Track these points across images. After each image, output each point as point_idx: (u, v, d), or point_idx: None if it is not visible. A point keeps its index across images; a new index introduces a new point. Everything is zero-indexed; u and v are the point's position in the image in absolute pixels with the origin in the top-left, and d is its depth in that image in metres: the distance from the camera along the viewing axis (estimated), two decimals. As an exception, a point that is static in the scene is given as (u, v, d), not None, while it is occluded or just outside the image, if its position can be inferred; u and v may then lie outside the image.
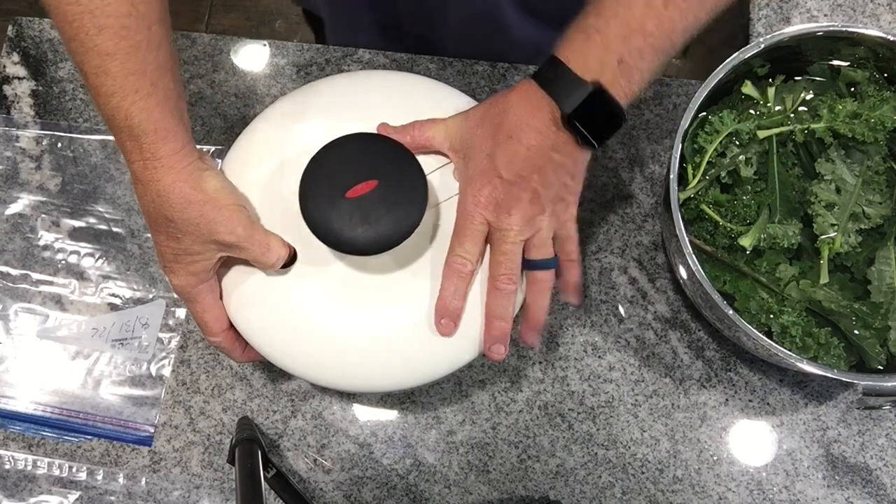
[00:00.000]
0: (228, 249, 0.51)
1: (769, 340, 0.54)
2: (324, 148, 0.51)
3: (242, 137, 0.59)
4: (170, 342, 0.68)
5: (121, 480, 0.65)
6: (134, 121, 0.47)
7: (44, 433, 0.66)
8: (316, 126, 0.57)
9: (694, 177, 0.60)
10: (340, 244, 0.50)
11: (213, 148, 0.72)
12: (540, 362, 0.67)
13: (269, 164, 0.57)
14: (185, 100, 0.51)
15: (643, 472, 0.64)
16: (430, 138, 0.54)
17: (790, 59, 0.62)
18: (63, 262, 0.70)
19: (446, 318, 0.52)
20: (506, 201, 0.50)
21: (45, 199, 0.72)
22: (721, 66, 0.58)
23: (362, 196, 0.50)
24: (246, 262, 0.54)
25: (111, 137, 0.73)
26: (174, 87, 0.49)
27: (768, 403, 0.66)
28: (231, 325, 0.55)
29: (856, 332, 0.58)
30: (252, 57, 0.75)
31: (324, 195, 0.50)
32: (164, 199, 0.48)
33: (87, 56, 0.46)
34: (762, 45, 0.58)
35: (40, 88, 0.75)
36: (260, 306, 0.54)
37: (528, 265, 0.53)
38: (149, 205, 0.49)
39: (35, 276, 0.70)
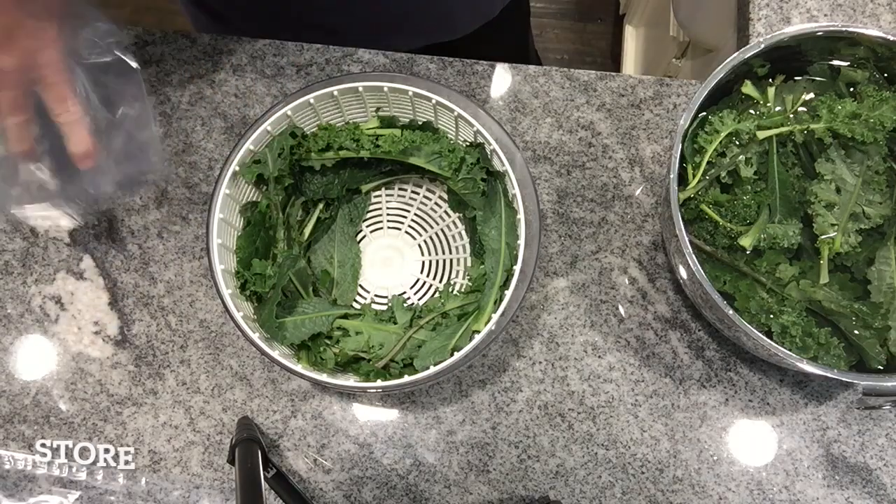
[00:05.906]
0: None
1: (769, 340, 0.54)
2: None
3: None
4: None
5: (121, 480, 0.65)
6: None
7: None
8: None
9: (694, 177, 0.60)
10: None
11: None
12: (540, 362, 0.67)
13: None
14: None
15: (643, 472, 0.64)
16: None
17: (790, 59, 0.62)
18: (63, 262, 0.70)
19: None
20: None
21: (44, 199, 0.72)
22: (721, 66, 0.58)
23: None
24: None
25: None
26: None
27: (768, 403, 0.66)
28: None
29: (856, 332, 0.58)
30: (252, 57, 0.75)
31: None
32: None
33: None
34: (762, 45, 0.58)
35: (40, 88, 0.75)
36: None
37: None
38: None
39: (35, 275, 0.70)
